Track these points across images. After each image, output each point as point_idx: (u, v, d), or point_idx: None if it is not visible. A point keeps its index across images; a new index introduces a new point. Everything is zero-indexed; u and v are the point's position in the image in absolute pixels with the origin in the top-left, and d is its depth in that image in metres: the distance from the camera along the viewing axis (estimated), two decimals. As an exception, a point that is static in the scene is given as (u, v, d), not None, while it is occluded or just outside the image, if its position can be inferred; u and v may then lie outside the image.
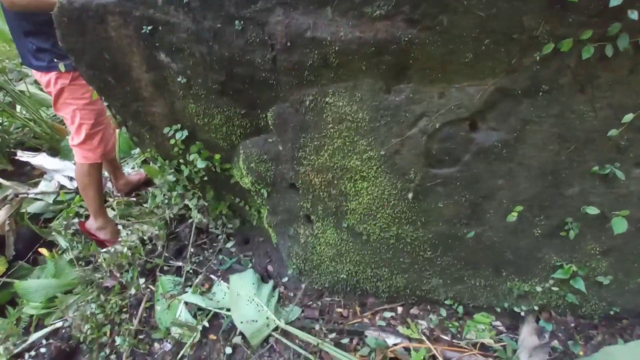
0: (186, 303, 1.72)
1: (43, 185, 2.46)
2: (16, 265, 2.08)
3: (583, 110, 0.98)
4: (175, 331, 1.66)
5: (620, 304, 1.36)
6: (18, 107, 2.87)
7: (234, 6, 1.04)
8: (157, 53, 1.21)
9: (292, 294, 1.79)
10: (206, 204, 1.87)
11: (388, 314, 1.64)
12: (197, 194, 1.82)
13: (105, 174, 2.34)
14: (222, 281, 1.84)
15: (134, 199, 2.33)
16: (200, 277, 1.88)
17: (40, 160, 2.53)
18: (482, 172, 1.15)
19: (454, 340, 1.48)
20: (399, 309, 1.65)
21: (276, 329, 1.61)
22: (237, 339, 1.62)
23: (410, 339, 1.48)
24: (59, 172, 2.49)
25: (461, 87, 1.03)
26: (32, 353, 1.72)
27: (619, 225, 1.07)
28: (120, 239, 1.97)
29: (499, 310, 1.49)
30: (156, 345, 1.68)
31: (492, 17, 0.88)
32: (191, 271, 1.91)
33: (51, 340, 1.76)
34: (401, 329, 1.54)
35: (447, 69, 1.01)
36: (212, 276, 1.89)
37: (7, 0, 1.47)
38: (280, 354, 1.57)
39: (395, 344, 1.47)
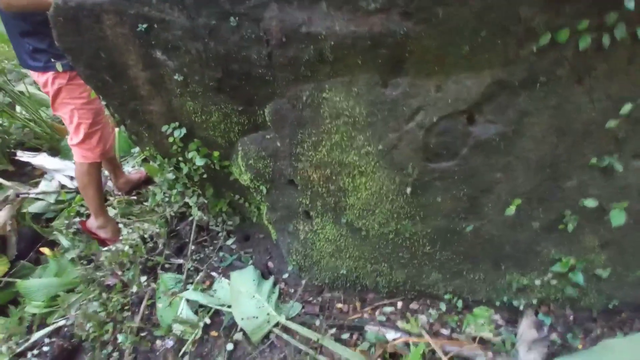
0: (187, 300, 1.73)
1: (44, 185, 2.47)
2: (18, 264, 2.09)
3: (581, 101, 0.98)
4: (177, 328, 1.67)
5: (619, 297, 1.36)
6: (18, 108, 2.88)
7: (229, 2, 1.03)
8: (153, 51, 1.21)
9: (292, 290, 1.79)
10: (206, 201, 1.87)
11: (388, 309, 1.64)
12: (197, 191, 1.83)
13: (106, 172, 2.34)
14: (222, 278, 1.85)
15: (135, 197, 2.34)
16: (201, 274, 1.89)
17: (41, 160, 2.54)
18: (480, 166, 1.14)
19: (454, 334, 1.48)
20: (399, 304, 1.65)
21: (277, 325, 1.62)
22: (238, 335, 1.63)
23: (409, 334, 1.49)
24: (60, 172, 2.49)
25: (458, 80, 1.02)
26: (35, 352, 1.74)
27: (618, 217, 1.07)
28: (121, 238, 1.97)
29: (498, 304, 1.49)
30: (158, 342, 1.69)
31: (487, 9, 0.87)
32: (192, 268, 1.91)
33: (54, 339, 1.77)
34: (401, 323, 1.55)
35: (443, 62, 1.00)
36: (212, 273, 1.90)
37: (3, 2, 1.47)
38: (281, 349, 1.58)
39: (395, 339, 1.47)
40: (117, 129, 2.17)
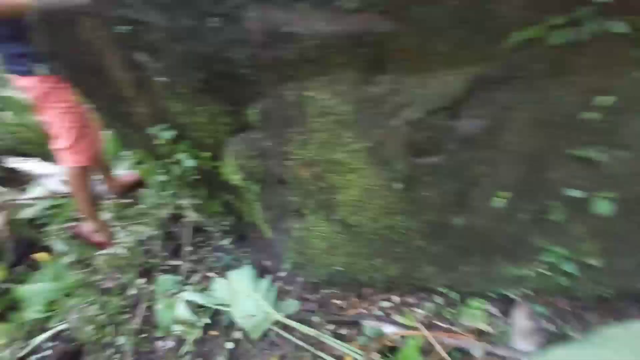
0: (186, 301, 1.77)
1: (36, 191, 2.50)
2: (15, 271, 2.13)
3: (559, 95, 1.00)
4: (177, 329, 1.72)
5: (613, 285, 1.39)
6: (6, 113, 2.88)
7: (209, 3, 1.04)
8: (134, 53, 1.22)
9: (289, 288, 1.84)
10: (200, 202, 1.90)
11: (385, 304, 1.69)
12: (190, 192, 1.85)
13: (98, 176, 2.37)
14: (220, 278, 1.89)
15: (129, 200, 2.37)
16: (198, 275, 1.93)
17: (32, 165, 2.56)
18: (467, 160, 1.17)
19: (450, 327, 1.53)
20: (396, 298, 1.70)
21: (276, 322, 1.66)
22: (237, 334, 1.68)
23: (406, 327, 1.53)
24: (51, 177, 2.52)
25: (440, 77, 1.04)
26: (37, 356, 1.79)
27: (604, 206, 1.10)
28: (116, 241, 2.01)
29: (492, 295, 1.53)
30: (158, 343, 1.74)
31: (462, 7, 0.88)
32: (189, 269, 1.95)
33: (55, 343, 1.82)
34: (397, 317, 1.59)
35: (425, 59, 1.02)
36: (210, 274, 1.94)
37: None
38: (280, 347, 1.63)
39: (392, 333, 1.52)
40: (105, 132, 2.18)
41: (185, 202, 1.91)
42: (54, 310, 1.92)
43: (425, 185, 1.27)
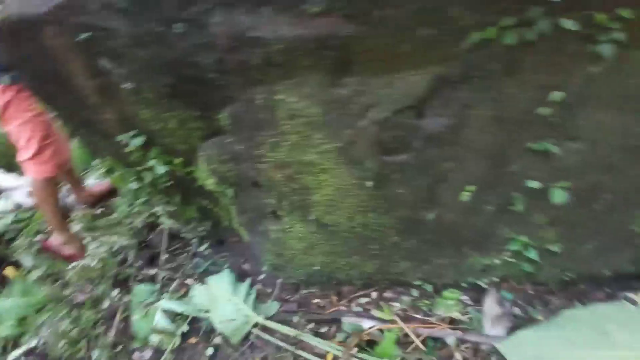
0: (163, 310, 1.76)
1: (1, 204, 2.40)
2: (-20, 288, 2.05)
3: (514, 92, 1.08)
4: (154, 338, 1.71)
5: (574, 269, 1.50)
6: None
7: (172, 9, 1.06)
8: (98, 60, 1.22)
9: (269, 290, 1.86)
10: (175, 208, 1.89)
11: (363, 300, 1.74)
12: (164, 199, 1.84)
13: (68, 186, 2.31)
14: (198, 284, 1.89)
15: (101, 210, 2.32)
16: (175, 282, 1.92)
17: (-4, 177, 2.46)
18: (433, 157, 1.23)
19: (426, 318, 1.59)
20: (374, 294, 1.75)
21: (256, 325, 1.68)
22: (217, 339, 1.69)
23: (384, 321, 1.58)
24: (17, 189, 2.43)
25: (404, 77, 1.10)
26: (9, 374, 1.73)
27: (559, 195, 1.19)
28: (87, 253, 1.97)
29: (465, 285, 1.61)
30: (135, 354, 1.72)
31: (420, 10, 0.94)
32: (166, 278, 1.94)
33: (30, 358, 1.77)
34: (376, 312, 1.65)
35: (389, 61, 1.07)
36: (188, 280, 1.94)
37: None
38: (261, 349, 1.65)
39: (370, 327, 1.57)
40: (73, 141, 2.13)
41: (159, 209, 1.90)
42: (25, 327, 1.86)
43: (395, 182, 1.33)
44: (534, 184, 1.21)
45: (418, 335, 1.50)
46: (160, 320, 1.73)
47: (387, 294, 1.74)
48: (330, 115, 1.20)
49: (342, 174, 1.34)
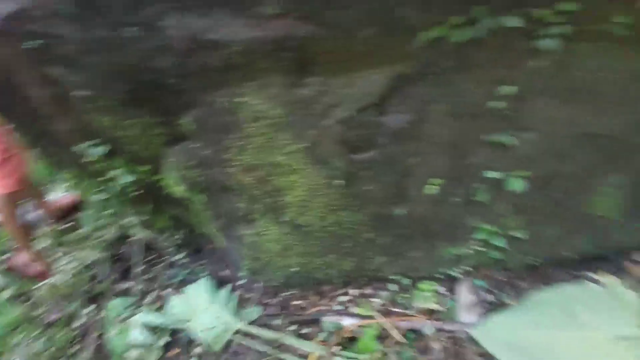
0: (141, 323, 1.73)
1: (-40, 225, 2.29)
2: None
3: (468, 87, 1.13)
4: (133, 354, 1.68)
5: (539, 254, 1.58)
6: None
7: (122, 13, 1.04)
8: (48, 68, 1.19)
9: (249, 295, 1.86)
10: (147, 218, 1.86)
11: (343, 298, 1.77)
12: (135, 209, 1.81)
13: (31, 201, 2.23)
14: (176, 294, 1.87)
15: (69, 224, 2.25)
16: (153, 294, 1.89)
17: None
18: (398, 153, 1.27)
19: (405, 311, 1.64)
20: (354, 292, 1.78)
21: (237, 331, 1.68)
22: (198, 349, 1.68)
23: (363, 317, 1.62)
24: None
25: (365, 76, 1.13)
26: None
27: (517, 184, 1.25)
28: (57, 269, 1.91)
29: (440, 276, 1.67)
30: (114, 371, 1.69)
31: (371, 11, 0.97)
32: (142, 290, 1.91)
33: (2, 384, 1.71)
34: (355, 309, 1.68)
35: (348, 61, 1.10)
36: (165, 291, 1.91)
37: None
38: (244, 355, 1.65)
39: (350, 324, 1.60)
40: (33, 154, 2.06)
41: (132, 219, 1.86)
42: (1, 347, 1.79)
43: (364, 180, 1.36)
44: (494, 175, 1.27)
45: (398, 329, 1.54)
46: (137, 334, 1.71)
47: (367, 291, 1.78)
48: (294, 116, 1.22)
49: (311, 174, 1.36)
